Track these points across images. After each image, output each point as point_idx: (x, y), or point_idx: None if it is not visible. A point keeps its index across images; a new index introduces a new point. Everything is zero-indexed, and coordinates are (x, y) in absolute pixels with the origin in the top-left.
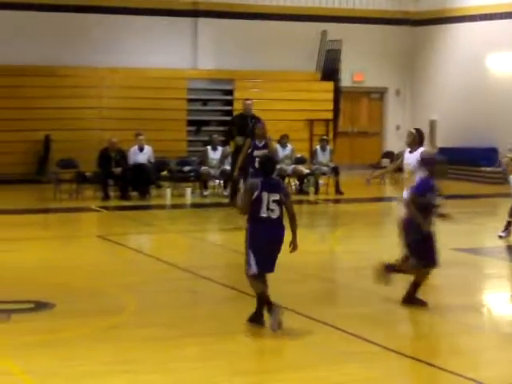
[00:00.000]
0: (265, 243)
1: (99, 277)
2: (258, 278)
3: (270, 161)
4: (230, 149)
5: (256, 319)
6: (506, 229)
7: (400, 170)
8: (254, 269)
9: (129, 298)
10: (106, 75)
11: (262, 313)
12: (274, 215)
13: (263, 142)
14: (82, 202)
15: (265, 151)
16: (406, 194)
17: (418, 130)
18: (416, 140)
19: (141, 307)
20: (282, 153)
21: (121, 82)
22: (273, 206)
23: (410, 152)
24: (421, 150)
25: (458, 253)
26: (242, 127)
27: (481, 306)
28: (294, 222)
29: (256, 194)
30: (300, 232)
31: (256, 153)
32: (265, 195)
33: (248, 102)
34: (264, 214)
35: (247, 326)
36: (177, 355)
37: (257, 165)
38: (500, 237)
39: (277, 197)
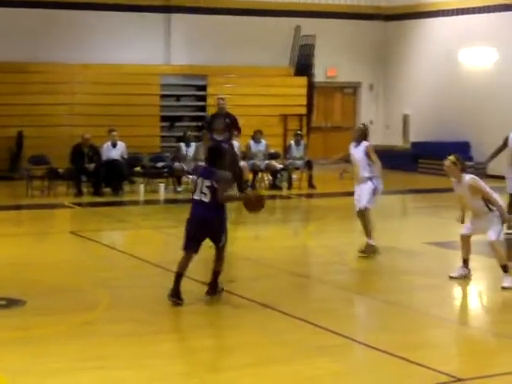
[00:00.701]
0: (193, 224)
1: (72, 273)
2: (185, 257)
3: (213, 150)
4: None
5: (175, 295)
6: None
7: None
8: (182, 247)
9: (102, 294)
10: (78, 71)
11: (179, 289)
12: (206, 199)
13: (222, 137)
14: (55, 199)
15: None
16: (356, 187)
17: (365, 126)
18: (362, 135)
19: (114, 303)
20: (255, 148)
21: (93, 78)
22: (205, 190)
23: (356, 146)
24: (364, 143)
25: (428, 246)
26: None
27: (451, 299)
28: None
29: (195, 178)
30: (273, 227)
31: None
32: (200, 180)
33: (221, 100)
34: (197, 197)
35: (219, 321)
36: (150, 351)
37: None
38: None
39: (208, 183)
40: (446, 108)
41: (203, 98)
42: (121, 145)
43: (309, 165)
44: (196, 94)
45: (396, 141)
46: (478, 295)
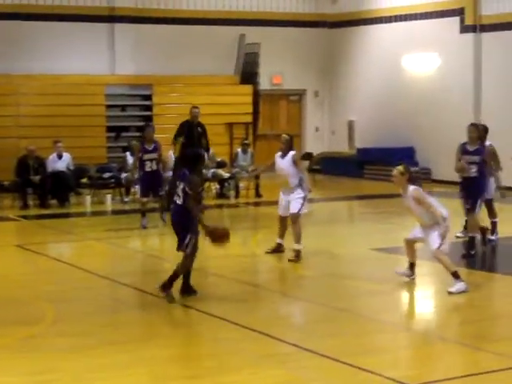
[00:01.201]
0: (172, 223)
1: (18, 286)
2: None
3: (190, 156)
4: (174, 154)
5: (186, 291)
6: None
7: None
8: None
9: (48, 307)
10: (22, 82)
11: (189, 284)
12: (179, 201)
13: (153, 146)
14: (0, 212)
15: (155, 155)
16: (283, 195)
17: (290, 136)
18: (289, 145)
19: (60, 316)
20: None
21: (38, 89)
22: (180, 193)
23: (282, 157)
24: (291, 153)
25: (374, 252)
26: (189, 134)
27: (398, 304)
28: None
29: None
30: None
31: (146, 156)
32: (178, 183)
33: (195, 110)
34: (175, 199)
35: (168, 332)
36: (98, 364)
37: (146, 168)
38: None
39: (182, 186)
40: (390, 114)
41: (149, 108)
42: (66, 156)
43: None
44: (142, 104)
45: (342, 147)
46: (424, 300)
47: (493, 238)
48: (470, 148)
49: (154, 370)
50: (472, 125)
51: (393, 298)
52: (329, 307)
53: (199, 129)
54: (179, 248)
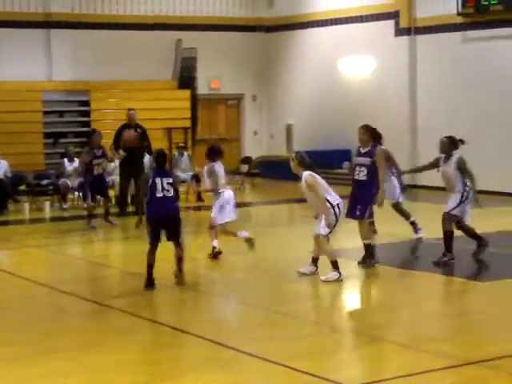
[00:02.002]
0: (172, 218)
1: None
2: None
3: (163, 155)
4: (118, 157)
5: (148, 285)
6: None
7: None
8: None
9: None
10: None
11: (152, 280)
12: (169, 194)
13: (101, 151)
14: None
15: (102, 160)
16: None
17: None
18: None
19: (1, 325)
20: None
21: None
22: (167, 187)
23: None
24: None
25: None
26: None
27: (336, 307)
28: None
29: (150, 180)
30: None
31: (95, 161)
32: (158, 180)
33: (132, 111)
34: (159, 194)
35: (109, 339)
36: (39, 372)
37: (95, 172)
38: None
39: (170, 180)
40: (328, 117)
41: (87, 114)
42: (3, 163)
43: (196, 178)
44: (79, 110)
45: (280, 151)
46: (363, 302)
47: (419, 236)
48: (362, 150)
49: (96, 378)
50: (362, 127)
51: (332, 301)
52: (269, 310)
53: (138, 130)
54: (177, 238)
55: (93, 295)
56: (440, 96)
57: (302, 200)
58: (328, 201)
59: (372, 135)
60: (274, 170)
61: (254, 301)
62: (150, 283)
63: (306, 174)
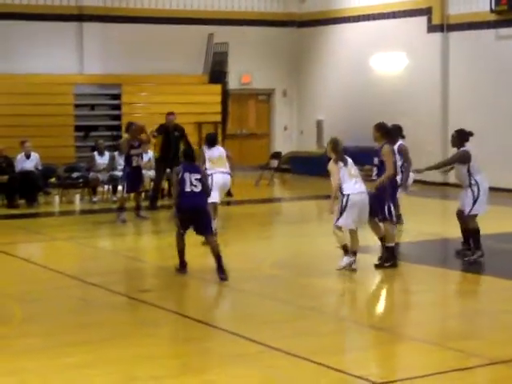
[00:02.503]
0: (200, 211)
1: None
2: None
3: (190, 152)
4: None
5: (181, 269)
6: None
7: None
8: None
9: (17, 307)
10: None
11: (185, 264)
12: (197, 189)
13: (137, 142)
14: None
15: (140, 150)
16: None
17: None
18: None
19: (28, 316)
20: None
21: (6, 89)
22: (195, 182)
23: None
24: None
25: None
26: (166, 137)
27: (364, 303)
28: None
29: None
30: (188, 235)
31: (133, 151)
32: (187, 175)
33: (170, 117)
34: (188, 189)
35: (136, 332)
36: (65, 364)
37: (134, 163)
38: None
39: (198, 176)
40: (358, 113)
41: (118, 107)
42: (35, 156)
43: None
44: (110, 103)
45: (310, 146)
46: (390, 299)
47: None
48: (377, 149)
49: (121, 370)
50: (375, 125)
51: (360, 297)
52: (297, 306)
53: (176, 132)
54: (206, 233)
55: (121, 288)
56: (472, 93)
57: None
58: (341, 189)
59: (384, 133)
60: (303, 166)
61: (281, 296)
62: (183, 267)
63: (331, 161)
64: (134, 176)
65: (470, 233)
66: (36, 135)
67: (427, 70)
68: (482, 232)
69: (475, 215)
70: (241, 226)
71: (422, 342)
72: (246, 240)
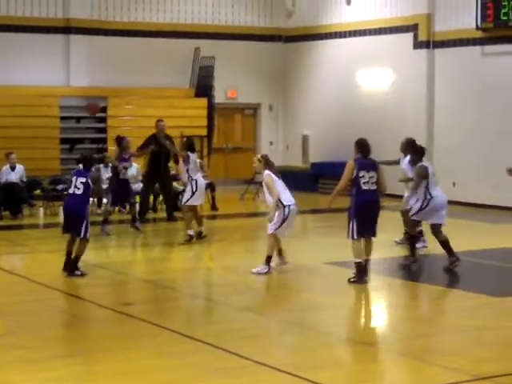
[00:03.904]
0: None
1: None
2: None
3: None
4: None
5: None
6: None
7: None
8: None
9: (0, 319)
10: None
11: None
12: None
13: (128, 155)
14: None
15: (128, 163)
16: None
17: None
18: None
19: (12, 329)
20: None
21: None
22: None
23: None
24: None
25: (328, 266)
26: (156, 147)
27: (348, 318)
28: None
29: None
30: (174, 249)
31: (123, 164)
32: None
33: (161, 123)
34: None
35: (122, 345)
36: (49, 377)
37: (121, 176)
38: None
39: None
40: (344, 128)
41: (103, 120)
42: (20, 168)
43: (212, 186)
44: (96, 116)
45: (296, 161)
46: (375, 314)
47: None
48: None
49: None
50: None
51: (345, 312)
52: (282, 321)
53: (167, 141)
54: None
55: (105, 301)
56: (457, 110)
57: (317, 211)
58: (280, 200)
59: (358, 148)
60: (289, 181)
61: (266, 310)
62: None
63: (265, 173)
64: (120, 189)
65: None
66: (21, 147)
67: (413, 86)
68: (468, 248)
69: (417, 221)
70: (226, 240)
71: (406, 358)
72: (231, 253)
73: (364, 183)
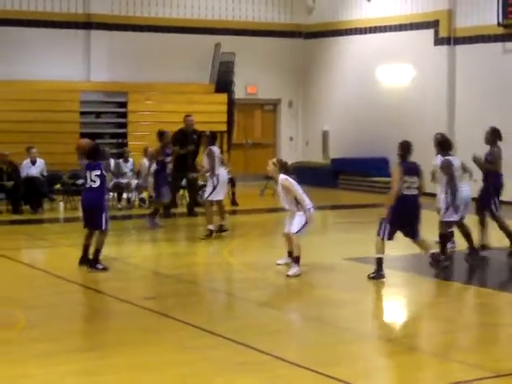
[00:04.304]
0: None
1: None
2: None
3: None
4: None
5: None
6: None
7: None
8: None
9: (20, 313)
10: None
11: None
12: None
13: (170, 150)
14: None
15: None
16: None
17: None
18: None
19: (33, 322)
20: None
21: (12, 95)
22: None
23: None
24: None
25: (348, 262)
26: (184, 142)
27: (367, 314)
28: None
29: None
30: (195, 244)
31: (168, 159)
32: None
33: (189, 118)
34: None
35: (141, 339)
36: (69, 370)
37: (168, 170)
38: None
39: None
40: (364, 125)
41: (123, 115)
42: (40, 162)
43: (232, 182)
44: (116, 111)
45: (316, 157)
46: (394, 310)
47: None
48: None
49: (125, 377)
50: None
51: (364, 308)
52: (302, 316)
53: (195, 136)
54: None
55: (125, 295)
56: (478, 106)
57: (337, 206)
58: (303, 203)
59: (402, 151)
60: (309, 177)
61: (287, 306)
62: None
63: (282, 177)
64: (167, 182)
65: (440, 237)
66: (42, 142)
67: (434, 82)
68: (493, 245)
69: (449, 221)
70: (246, 235)
71: (426, 354)
72: (251, 249)
73: (406, 188)
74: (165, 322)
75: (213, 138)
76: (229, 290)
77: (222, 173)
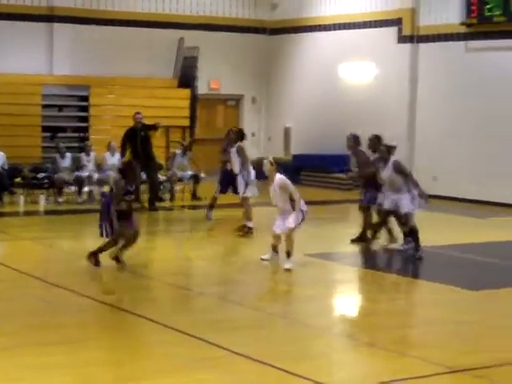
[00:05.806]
0: None
1: None
2: None
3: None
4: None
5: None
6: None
7: None
8: None
9: None
10: None
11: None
12: None
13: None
14: None
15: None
16: None
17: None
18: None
19: None
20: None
21: None
22: None
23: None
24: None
25: (309, 258)
26: (133, 139)
27: (328, 310)
28: None
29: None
30: (155, 239)
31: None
32: None
33: (138, 115)
34: None
35: (101, 334)
36: (27, 364)
37: (228, 167)
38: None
39: None
40: (326, 121)
41: (86, 109)
42: (1, 155)
43: (195, 178)
44: (78, 105)
45: (278, 153)
46: (355, 306)
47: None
48: None
49: (82, 372)
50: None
51: (325, 304)
52: (263, 312)
53: (142, 133)
54: None
55: (84, 290)
56: (440, 105)
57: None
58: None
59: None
60: None
61: (248, 301)
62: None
63: (279, 176)
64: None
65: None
66: (3, 134)
67: (396, 80)
68: (447, 243)
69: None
70: (207, 231)
71: (382, 350)
72: (212, 244)
73: None
74: (125, 317)
75: (241, 134)
76: (189, 285)
77: (252, 169)
